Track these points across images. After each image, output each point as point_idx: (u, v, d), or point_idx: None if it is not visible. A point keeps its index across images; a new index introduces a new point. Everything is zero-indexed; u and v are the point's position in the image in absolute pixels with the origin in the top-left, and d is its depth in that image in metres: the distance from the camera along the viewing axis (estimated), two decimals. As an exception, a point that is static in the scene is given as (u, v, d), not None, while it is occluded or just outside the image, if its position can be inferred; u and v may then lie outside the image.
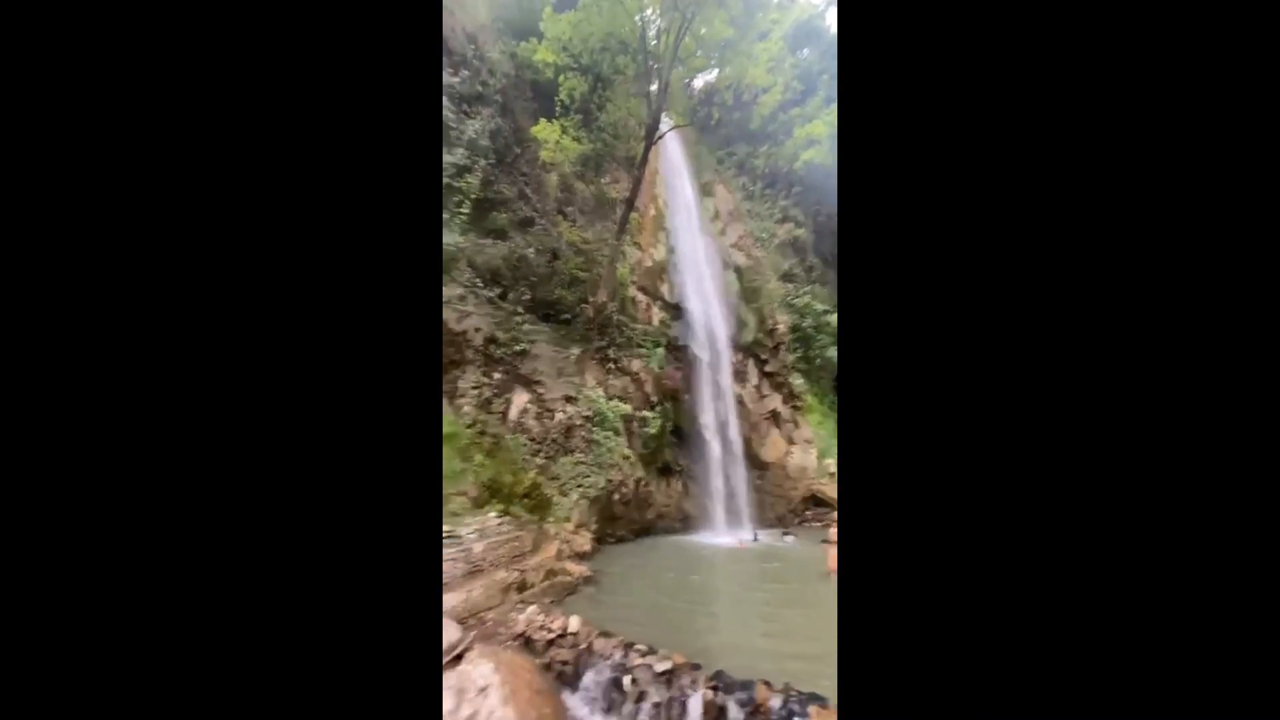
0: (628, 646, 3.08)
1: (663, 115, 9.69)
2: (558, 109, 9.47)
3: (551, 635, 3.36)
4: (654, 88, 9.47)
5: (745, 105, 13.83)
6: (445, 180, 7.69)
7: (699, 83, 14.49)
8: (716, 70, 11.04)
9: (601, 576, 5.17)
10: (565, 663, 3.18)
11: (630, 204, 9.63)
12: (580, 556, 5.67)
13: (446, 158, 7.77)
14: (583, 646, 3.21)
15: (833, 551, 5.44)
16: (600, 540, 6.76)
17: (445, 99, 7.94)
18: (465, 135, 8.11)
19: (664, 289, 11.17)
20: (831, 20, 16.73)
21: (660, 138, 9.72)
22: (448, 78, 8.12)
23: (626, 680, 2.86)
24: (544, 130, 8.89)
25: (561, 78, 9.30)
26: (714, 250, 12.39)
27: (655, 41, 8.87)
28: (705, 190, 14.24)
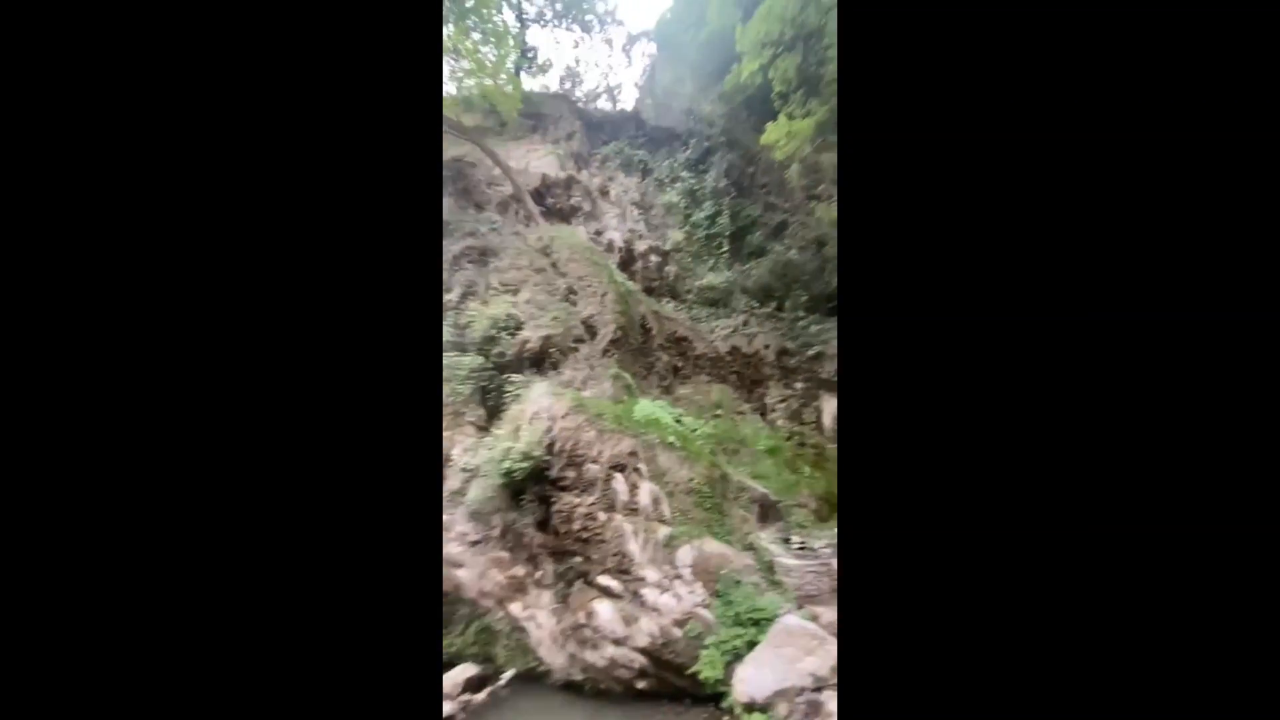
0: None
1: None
2: (776, 103, 9.13)
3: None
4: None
5: None
6: (702, 234, 9.06)
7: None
8: None
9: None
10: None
11: (900, 133, 7.43)
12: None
13: (698, 215, 9.20)
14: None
15: None
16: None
17: (684, 171, 9.58)
18: (707, 189, 9.35)
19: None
20: None
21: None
22: (681, 155, 9.84)
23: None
24: (771, 133, 8.74)
25: (770, 73, 8.99)
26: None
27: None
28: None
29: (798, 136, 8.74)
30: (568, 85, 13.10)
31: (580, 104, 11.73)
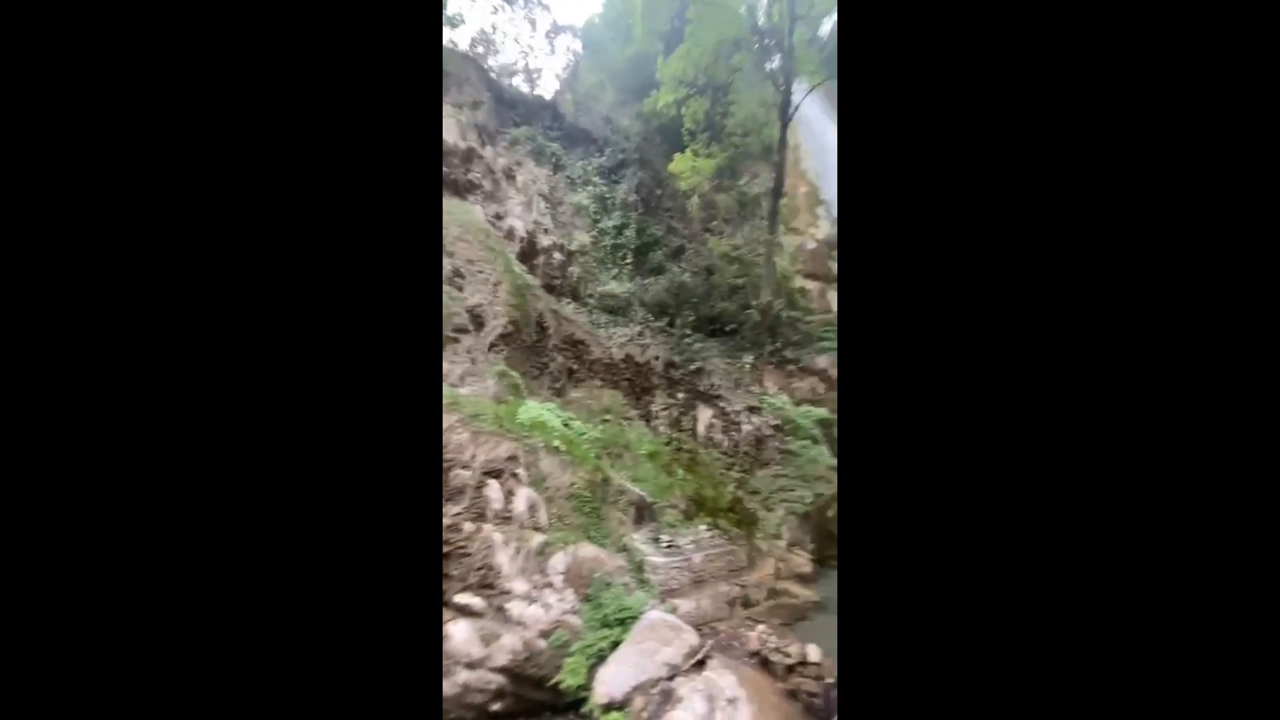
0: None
1: (794, 84, 8.81)
2: (685, 138, 10.00)
3: (790, 661, 3.23)
4: (775, 63, 8.78)
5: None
6: (609, 242, 9.25)
7: (826, 28, 12.50)
8: (850, -1, 9.25)
9: (831, 604, 4.69)
10: (813, 695, 2.98)
11: (777, 192, 9.00)
12: (801, 579, 5.30)
13: (607, 222, 9.37)
14: (830, 680, 2.94)
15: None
16: (821, 563, 6.14)
17: (596, 176, 9.68)
18: (617, 199, 9.60)
19: (836, 267, 9.70)
20: None
21: (796, 109, 8.82)
22: (596, 160, 9.91)
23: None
24: (678, 164, 9.51)
25: (683, 109, 9.83)
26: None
27: (765, 18, 8.30)
28: (867, 137, 11.78)
29: (700, 173, 9.74)
30: (480, 50, 11.88)
31: (493, 75, 10.75)
